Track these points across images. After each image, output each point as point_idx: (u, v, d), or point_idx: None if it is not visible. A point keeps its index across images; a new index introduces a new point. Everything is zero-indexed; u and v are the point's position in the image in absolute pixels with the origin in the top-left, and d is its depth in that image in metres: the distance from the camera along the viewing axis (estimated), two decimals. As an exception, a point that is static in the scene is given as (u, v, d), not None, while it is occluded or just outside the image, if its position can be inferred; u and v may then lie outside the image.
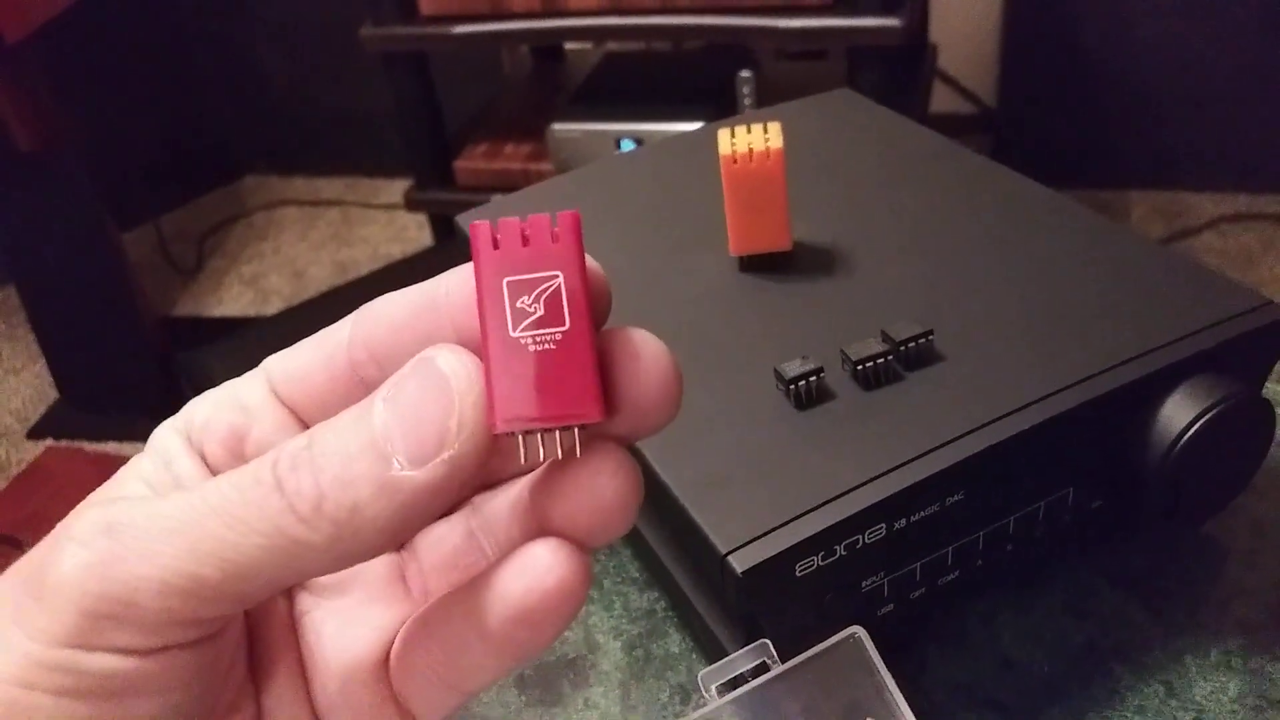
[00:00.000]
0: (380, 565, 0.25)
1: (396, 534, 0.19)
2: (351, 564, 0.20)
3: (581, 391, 0.20)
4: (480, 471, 0.20)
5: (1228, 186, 1.84)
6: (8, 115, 1.40)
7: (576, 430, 0.20)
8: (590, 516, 0.21)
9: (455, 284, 0.21)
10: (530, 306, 0.20)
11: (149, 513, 0.19)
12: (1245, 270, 1.67)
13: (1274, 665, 0.36)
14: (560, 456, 0.20)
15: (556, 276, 0.21)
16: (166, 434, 0.23)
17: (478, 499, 0.25)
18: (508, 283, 0.20)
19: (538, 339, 0.20)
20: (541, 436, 0.20)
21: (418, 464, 0.19)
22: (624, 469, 0.21)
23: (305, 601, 0.25)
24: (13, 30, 1.33)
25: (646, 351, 0.21)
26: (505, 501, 0.25)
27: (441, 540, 0.25)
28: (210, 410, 0.23)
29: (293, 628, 0.25)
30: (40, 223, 1.53)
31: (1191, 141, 1.81)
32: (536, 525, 0.22)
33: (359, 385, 0.22)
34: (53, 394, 1.73)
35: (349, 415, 0.20)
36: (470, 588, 0.22)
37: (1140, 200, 1.85)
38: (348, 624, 0.24)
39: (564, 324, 0.20)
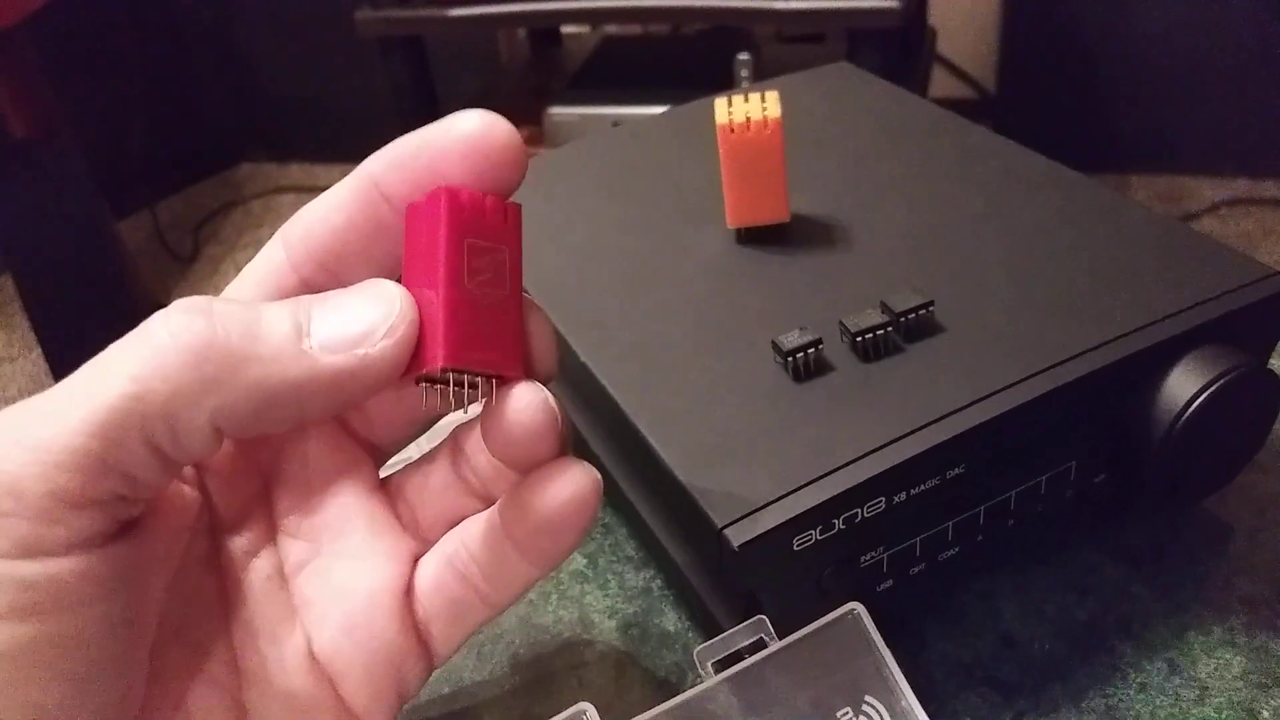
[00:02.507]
0: (376, 507, 0.28)
1: (299, 405, 0.23)
2: (253, 422, 0.23)
3: (512, 350, 0.24)
4: (375, 387, 0.23)
5: (1228, 171, 1.83)
6: (1, 102, 1.39)
7: (494, 382, 0.24)
8: (509, 449, 0.24)
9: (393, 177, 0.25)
10: (483, 268, 0.23)
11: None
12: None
13: (1278, 642, 0.36)
14: (464, 406, 0.24)
15: (504, 250, 0.24)
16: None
17: (459, 439, 0.28)
18: (469, 243, 0.23)
19: (486, 297, 0.23)
20: (455, 384, 0.23)
21: (332, 351, 0.22)
22: (535, 403, 0.24)
23: (301, 551, 0.27)
24: (5, 16, 1.33)
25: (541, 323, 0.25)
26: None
27: (428, 477, 0.28)
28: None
29: (281, 583, 0.27)
30: (35, 210, 1.52)
31: (1192, 126, 1.80)
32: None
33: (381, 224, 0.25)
34: (49, 381, 1.72)
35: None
36: (503, 505, 0.26)
37: (1140, 185, 1.85)
38: (361, 561, 0.27)
39: (505, 289, 0.23)
